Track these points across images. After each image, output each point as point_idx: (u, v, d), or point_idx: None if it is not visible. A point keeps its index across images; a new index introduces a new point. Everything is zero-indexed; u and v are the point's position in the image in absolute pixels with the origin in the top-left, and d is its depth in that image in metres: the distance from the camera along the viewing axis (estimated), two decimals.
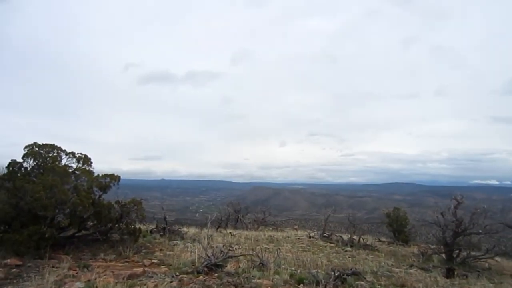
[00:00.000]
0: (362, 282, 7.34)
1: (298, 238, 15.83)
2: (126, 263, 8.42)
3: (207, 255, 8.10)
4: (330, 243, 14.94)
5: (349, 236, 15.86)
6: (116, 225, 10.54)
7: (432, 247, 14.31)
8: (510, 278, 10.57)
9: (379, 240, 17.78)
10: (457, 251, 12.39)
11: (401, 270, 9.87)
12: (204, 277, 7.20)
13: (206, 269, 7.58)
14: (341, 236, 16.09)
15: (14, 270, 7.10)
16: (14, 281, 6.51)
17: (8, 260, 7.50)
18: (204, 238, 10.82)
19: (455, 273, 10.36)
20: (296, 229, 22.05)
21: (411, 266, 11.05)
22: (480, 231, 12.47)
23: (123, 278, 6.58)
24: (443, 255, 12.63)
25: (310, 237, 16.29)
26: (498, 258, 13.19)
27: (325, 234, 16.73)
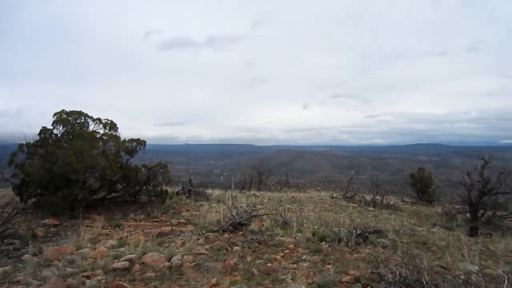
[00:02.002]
0: (384, 240, 7.46)
1: (321, 199, 16.04)
2: (155, 223, 8.85)
3: (232, 215, 8.40)
4: (353, 203, 15.06)
5: (372, 196, 15.92)
6: (144, 187, 10.98)
7: (456, 206, 14.22)
8: None
9: (402, 200, 17.78)
10: (482, 211, 12.27)
11: (423, 229, 9.92)
12: (229, 235, 7.52)
13: (231, 227, 7.90)
14: (363, 197, 16.17)
15: (52, 229, 7.62)
16: (53, 238, 7.00)
17: (46, 220, 8.04)
18: (228, 199, 11.12)
19: (479, 232, 10.32)
20: (318, 190, 22.28)
21: (434, 225, 11.07)
22: (508, 191, 12.23)
23: (153, 236, 6.96)
24: (468, 215, 12.54)
25: (332, 198, 16.48)
26: None
27: (347, 195, 16.86)
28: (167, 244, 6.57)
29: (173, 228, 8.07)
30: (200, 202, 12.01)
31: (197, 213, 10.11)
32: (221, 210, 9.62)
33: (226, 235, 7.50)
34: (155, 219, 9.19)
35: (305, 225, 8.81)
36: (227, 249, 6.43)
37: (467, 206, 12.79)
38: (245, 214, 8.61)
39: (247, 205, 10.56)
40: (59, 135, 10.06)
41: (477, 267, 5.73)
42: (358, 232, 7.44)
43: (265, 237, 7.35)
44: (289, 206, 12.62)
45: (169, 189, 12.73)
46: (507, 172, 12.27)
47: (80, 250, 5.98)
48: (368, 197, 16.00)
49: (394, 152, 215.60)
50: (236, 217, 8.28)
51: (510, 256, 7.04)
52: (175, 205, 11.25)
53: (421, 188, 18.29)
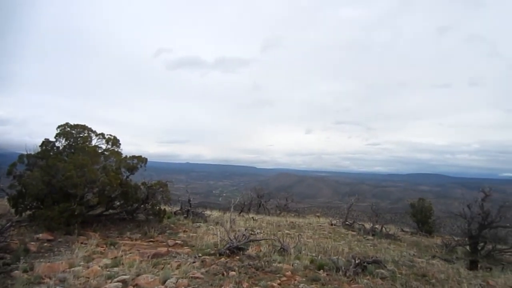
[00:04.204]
0: (382, 271, 7.32)
1: (320, 225, 15.85)
2: (151, 243, 8.72)
3: (229, 238, 8.28)
4: (352, 231, 14.88)
5: (372, 225, 15.73)
6: (142, 206, 10.90)
7: (456, 238, 14.02)
8: None
9: (402, 230, 17.56)
10: (482, 244, 12.11)
11: (423, 260, 9.75)
12: (226, 259, 7.38)
13: (228, 251, 7.76)
14: (363, 225, 15.98)
15: (45, 244, 7.51)
16: (46, 254, 6.88)
17: (40, 234, 7.93)
18: (227, 221, 11.02)
19: (479, 265, 10.16)
20: (318, 216, 22.07)
21: (434, 257, 10.89)
22: (508, 224, 12.11)
23: (148, 257, 6.85)
24: (468, 247, 12.37)
25: (332, 225, 16.28)
26: None
27: (347, 222, 16.67)
28: (163, 266, 6.45)
29: (169, 249, 7.94)
30: (198, 223, 11.88)
31: (195, 234, 9.98)
32: (219, 232, 9.50)
33: (223, 259, 7.36)
34: (151, 239, 9.06)
35: (303, 252, 8.68)
36: (223, 274, 6.29)
37: (467, 239, 12.63)
38: (243, 238, 8.48)
39: (245, 229, 10.43)
40: (61, 148, 10.08)
41: None
42: (356, 262, 7.31)
43: (263, 263, 7.21)
44: (287, 231, 12.47)
45: (168, 209, 12.64)
46: (508, 206, 12.21)
47: (73, 268, 5.86)
48: (368, 226, 15.81)
49: (395, 180, 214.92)
50: (234, 241, 8.16)
51: None
52: (172, 225, 11.12)
53: (421, 218, 18.09)
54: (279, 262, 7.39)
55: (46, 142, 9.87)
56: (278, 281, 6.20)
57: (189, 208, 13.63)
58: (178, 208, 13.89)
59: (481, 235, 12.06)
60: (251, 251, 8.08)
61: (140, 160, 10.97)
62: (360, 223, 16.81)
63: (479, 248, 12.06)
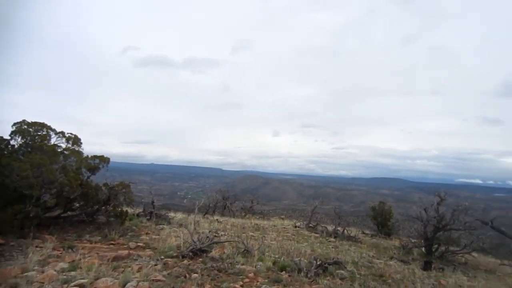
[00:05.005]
0: (342, 271, 7.53)
1: (284, 227, 16.04)
2: (112, 245, 8.48)
3: (193, 240, 8.21)
4: (315, 233, 15.17)
5: (334, 227, 16.11)
6: (103, 207, 10.58)
7: (413, 240, 14.65)
8: (484, 273, 10.96)
9: (363, 232, 18.09)
10: (436, 246, 12.73)
11: (381, 261, 10.14)
12: (188, 261, 7.31)
13: (191, 253, 7.69)
14: (326, 227, 16.33)
15: None
16: None
17: None
18: (191, 223, 10.92)
19: (432, 266, 10.69)
20: (282, 218, 22.30)
21: (391, 258, 11.33)
22: (460, 227, 12.80)
23: (108, 260, 6.66)
24: (423, 249, 12.96)
25: (295, 227, 16.52)
26: (475, 254, 13.58)
27: (310, 225, 16.97)
28: (123, 269, 6.29)
29: (131, 252, 7.75)
30: (161, 226, 11.68)
31: (157, 237, 9.81)
32: (182, 235, 9.40)
33: (185, 261, 7.29)
34: (112, 242, 8.80)
35: (267, 253, 8.76)
36: (185, 276, 6.23)
37: (422, 241, 13.23)
38: (207, 240, 8.43)
39: (210, 231, 10.39)
40: (16, 146, 9.58)
41: None
42: (318, 263, 7.49)
43: (226, 264, 7.22)
44: (252, 233, 12.53)
45: (130, 210, 12.34)
46: (461, 210, 12.90)
47: (26, 273, 5.58)
48: (330, 228, 16.17)
49: (358, 184, 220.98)
50: (197, 243, 8.10)
51: None
52: (134, 227, 10.86)
53: (381, 221, 18.75)
54: (242, 264, 7.42)
55: (0, 140, 9.36)
56: (241, 283, 6.23)
57: (153, 210, 13.37)
58: (141, 210, 13.59)
59: (435, 237, 12.68)
60: (215, 253, 8.05)
61: (102, 160, 10.65)
62: (323, 225, 17.18)
63: (434, 249, 12.68)
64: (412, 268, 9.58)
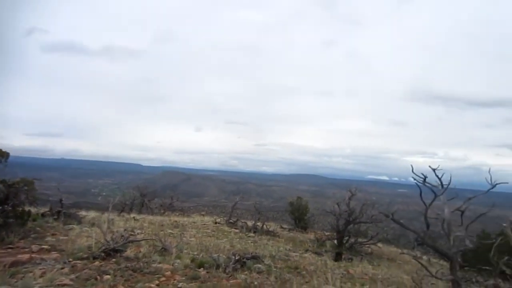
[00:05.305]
0: (260, 265, 7.72)
1: (204, 224, 15.95)
2: (10, 250, 7.58)
3: (106, 240, 7.74)
4: (235, 229, 15.33)
5: (254, 222, 16.45)
6: (0, 207, 9.44)
7: (326, 233, 15.63)
8: (387, 261, 12.23)
9: (281, 227, 18.77)
10: (347, 238, 13.71)
11: (297, 254, 10.65)
12: (100, 262, 6.87)
13: (103, 254, 7.24)
14: (246, 223, 16.60)
15: None
16: None
17: None
18: (104, 222, 10.26)
19: (343, 256, 11.54)
20: (203, 215, 22.15)
21: (307, 250, 11.95)
22: (368, 220, 13.95)
23: (5, 266, 5.96)
24: (335, 241, 13.87)
25: (216, 223, 16.52)
26: (380, 244, 15.01)
27: (231, 220, 17.10)
28: (23, 275, 5.68)
29: (33, 255, 7.00)
30: (71, 225, 10.78)
31: (65, 237, 9.03)
32: (94, 234, 8.81)
33: (97, 262, 6.83)
34: (10, 245, 7.85)
35: (185, 251, 8.64)
36: (96, 279, 5.84)
37: (335, 233, 14.15)
38: (122, 239, 8.01)
39: (125, 230, 9.90)
40: None
41: None
42: (236, 258, 7.58)
43: (141, 264, 6.94)
44: (170, 231, 12.24)
45: (34, 210, 11.20)
46: (369, 204, 14.09)
47: None
48: (250, 223, 16.48)
49: (278, 180, 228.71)
50: (111, 242, 7.65)
51: (365, 279, 8.02)
52: (38, 228, 9.85)
53: (298, 215, 19.65)
54: (159, 262, 7.21)
55: None
56: (157, 282, 6.05)
57: (61, 208, 12.29)
58: (47, 209, 12.41)
59: (346, 230, 13.62)
60: (130, 252, 7.69)
61: (1, 154, 9.53)
62: (243, 221, 17.43)
63: (344, 241, 13.63)
64: (325, 259, 10.25)
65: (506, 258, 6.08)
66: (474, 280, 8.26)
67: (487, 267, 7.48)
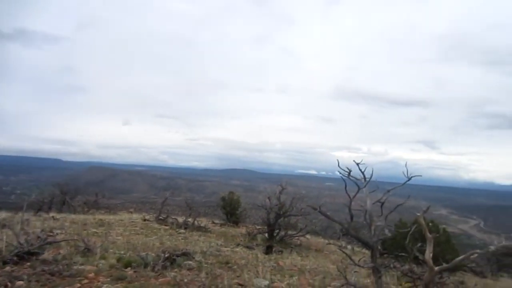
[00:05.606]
0: (190, 262, 7.58)
1: (132, 221, 15.28)
2: None
3: (19, 243, 7.04)
4: (165, 225, 14.91)
5: (185, 218, 16.15)
6: None
7: (257, 227, 15.89)
8: (315, 252, 12.82)
9: (213, 222, 18.67)
10: (277, 231, 14.07)
11: (228, 249, 10.65)
12: (12, 267, 6.22)
13: (16, 258, 6.57)
14: (176, 219, 16.22)
15: None
16: None
17: None
18: (18, 223, 9.30)
19: (273, 249, 11.83)
20: (131, 212, 21.30)
21: (238, 245, 12.02)
22: (297, 213, 14.45)
23: None
24: (266, 234, 14.17)
25: (144, 220, 15.93)
26: (308, 236, 15.64)
27: (160, 217, 16.59)
28: None
29: None
30: None
31: None
32: (5, 237, 7.94)
33: (8, 268, 6.17)
34: None
35: (111, 250, 8.19)
36: (6, 286, 5.28)
37: (266, 227, 14.44)
38: (38, 241, 7.35)
39: (42, 230, 9.07)
40: None
41: (267, 282, 6.50)
42: (166, 256, 7.34)
43: (61, 266, 6.40)
44: (94, 230, 11.54)
45: None
46: (298, 198, 14.59)
47: None
48: (181, 219, 16.14)
49: (210, 175, 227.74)
50: (25, 245, 6.97)
51: (294, 270, 8.30)
52: None
53: (230, 210, 19.73)
54: (82, 264, 6.74)
55: None
56: (78, 285, 5.64)
57: None
58: None
59: (277, 223, 13.97)
60: (48, 255, 7.06)
61: None
62: (173, 217, 17.00)
63: (275, 234, 13.98)
64: (256, 253, 10.39)
65: (419, 244, 6.66)
66: (392, 266, 8.93)
67: (403, 254, 8.19)
